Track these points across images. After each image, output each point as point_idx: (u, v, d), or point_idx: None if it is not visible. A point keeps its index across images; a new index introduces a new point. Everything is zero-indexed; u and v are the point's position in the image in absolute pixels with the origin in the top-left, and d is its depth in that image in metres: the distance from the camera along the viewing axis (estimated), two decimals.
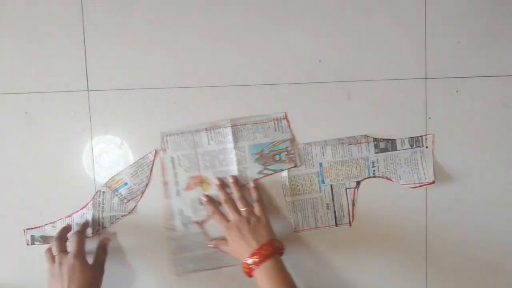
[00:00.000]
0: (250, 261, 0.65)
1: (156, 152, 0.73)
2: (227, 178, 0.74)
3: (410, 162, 0.76)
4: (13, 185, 0.73)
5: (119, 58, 0.73)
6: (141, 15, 0.73)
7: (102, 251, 0.71)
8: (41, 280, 0.68)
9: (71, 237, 0.68)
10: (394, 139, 0.76)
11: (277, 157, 0.75)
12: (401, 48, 0.75)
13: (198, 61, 0.74)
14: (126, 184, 0.73)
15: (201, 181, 0.74)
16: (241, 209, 0.70)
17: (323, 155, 0.76)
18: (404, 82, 0.76)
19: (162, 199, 0.74)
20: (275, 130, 0.74)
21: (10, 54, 0.72)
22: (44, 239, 0.73)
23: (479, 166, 0.78)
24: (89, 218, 0.73)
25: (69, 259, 0.64)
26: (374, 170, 0.77)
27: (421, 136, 0.77)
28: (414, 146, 0.76)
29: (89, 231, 0.73)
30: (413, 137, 0.77)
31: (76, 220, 0.73)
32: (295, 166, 0.75)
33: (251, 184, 0.74)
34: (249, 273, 0.65)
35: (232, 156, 0.74)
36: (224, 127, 0.73)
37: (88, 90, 0.73)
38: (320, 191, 0.76)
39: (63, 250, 0.67)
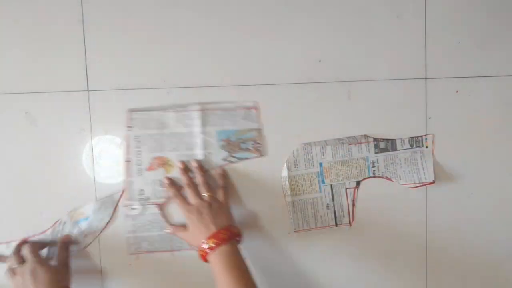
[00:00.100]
0: (206, 245, 0.65)
1: (123, 192, 0.73)
2: (190, 162, 0.73)
3: (410, 162, 0.76)
4: (13, 185, 0.73)
5: (119, 58, 0.73)
6: (141, 15, 0.73)
7: (63, 250, 0.71)
8: None
9: (23, 246, 0.69)
10: (394, 139, 0.76)
11: (243, 146, 0.74)
12: (401, 48, 0.75)
13: (198, 61, 0.74)
14: (87, 218, 0.73)
15: (164, 163, 0.73)
16: (204, 194, 0.70)
17: (323, 155, 0.76)
18: (404, 82, 0.76)
19: (123, 176, 0.73)
20: (244, 119, 0.74)
21: (10, 54, 0.72)
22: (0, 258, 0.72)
23: (479, 166, 0.78)
24: (46, 244, 0.73)
25: (28, 266, 0.66)
26: (374, 170, 0.77)
27: (421, 136, 0.77)
28: (414, 146, 0.76)
29: (44, 251, 0.72)
30: (413, 137, 0.77)
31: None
32: (260, 156, 0.74)
33: (219, 171, 0.73)
34: (204, 256, 0.65)
35: (198, 140, 0.73)
36: (193, 110, 0.73)
37: (88, 90, 0.73)
38: (320, 191, 0.76)
39: (21, 262, 0.67)
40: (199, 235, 0.66)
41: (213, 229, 0.66)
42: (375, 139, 0.76)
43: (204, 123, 0.73)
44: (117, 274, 0.75)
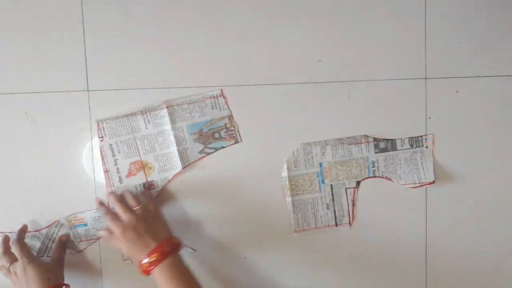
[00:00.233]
0: (147, 260, 0.63)
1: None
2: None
3: (410, 162, 0.76)
4: (13, 185, 0.73)
5: (119, 58, 0.73)
6: (141, 15, 0.73)
7: (60, 248, 0.72)
8: None
9: (12, 245, 0.69)
10: (394, 139, 0.76)
11: (216, 135, 0.74)
12: (401, 48, 0.75)
13: (198, 61, 0.74)
14: (86, 225, 0.73)
15: (142, 166, 0.73)
16: (135, 208, 0.68)
17: (323, 155, 0.76)
18: (404, 82, 0.76)
19: (105, 188, 0.73)
20: (213, 108, 0.74)
21: (10, 54, 0.72)
22: None
23: (479, 166, 0.78)
24: (39, 242, 0.73)
25: (19, 264, 0.67)
26: (374, 170, 0.77)
27: (421, 136, 0.77)
28: (414, 146, 0.76)
29: (36, 248, 0.73)
30: (413, 137, 0.77)
31: (27, 240, 0.72)
32: (236, 142, 0.74)
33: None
34: (146, 272, 0.64)
35: (171, 137, 0.73)
36: (160, 108, 0.73)
37: (88, 90, 0.73)
38: (320, 191, 0.76)
39: (14, 260, 0.68)
40: (140, 251, 0.64)
41: (153, 244, 0.64)
42: (375, 139, 0.76)
43: (173, 120, 0.73)
44: (117, 274, 0.75)
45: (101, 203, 0.71)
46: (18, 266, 0.66)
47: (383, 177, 0.77)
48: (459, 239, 0.79)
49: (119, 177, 0.73)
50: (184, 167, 0.73)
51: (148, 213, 0.68)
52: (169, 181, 0.74)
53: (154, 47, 0.73)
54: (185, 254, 0.75)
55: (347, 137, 0.76)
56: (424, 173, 0.76)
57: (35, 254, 0.72)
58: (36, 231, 0.73)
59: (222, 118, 0.74)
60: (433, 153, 0.77)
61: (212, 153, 0.74)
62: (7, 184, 0.73)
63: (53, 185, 0.73)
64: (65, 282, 0.70)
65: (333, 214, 0.77)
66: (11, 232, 0.72)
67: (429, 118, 0.76)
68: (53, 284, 0.67)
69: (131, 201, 0.69)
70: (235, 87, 0.74)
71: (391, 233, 0.78)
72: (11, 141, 0.73)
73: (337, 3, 0.74)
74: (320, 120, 0.76)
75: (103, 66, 0.73)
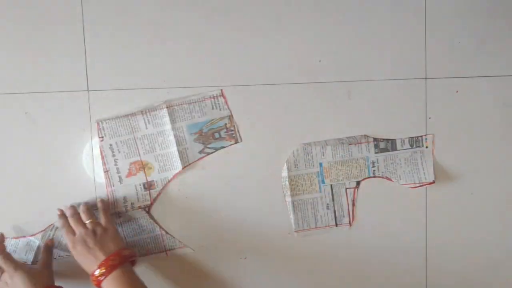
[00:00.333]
0: (97, 272, 0.64)
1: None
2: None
3: (410, 162, 0.76)
4: (13, 185, 0.73)
5: (119, 58, 0.73)
6: (141, 15, 0.73)
7: (47, 253, 0.72)
8: None
9: None
10: (394, 139, 0.76)
11: (216, 135, 0.74)
12: (401, 48, 0.75)
13: (198, 61, 0.74)
14: None
15: (142, 166, 0.73)
16: (86, 222, 0.69)
17: (323, 155, 0.76)
18: (404, 82, 0.76)
19: (106, 187, 0.73)
20: (213, 108, 0.74)
21: (10, 54, 0.72)
22: None
23: (479, 166, 0.78)
24: (34, 248, 0.73)
25: (6, 274, 0.67)
26: (374, 170, 0.77)
27: (421, 136, 0.77)
28: (414, 146, 0.76)
29: (30, 257, 0.72)
30: (413, 137, 0.77)
31: (21, 244, 0.72)
32: (236, 142, 0.74)
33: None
34: (97, 285, 0.64)
35: (171, 137, 0.73)
36: (160, 108, 0.73)
37: (88, 90, 0.73)
38: (320, 191, 0.76)
39: (3, 271, 0.67)
40: (90, 264, 0.65)
41: (102, 257, 0.65)
42: (375, 139, 0.76)
43: (173, 120, 0.73)
44: None
45: (62, 215, 0.71)
46: (7, 276, 0.66)
47: (383, 177, 0.77)
48: (459, 239, 0.79)
49: (119, 177, 0.73)
50: (184, 167, 0.73)
51: (99, 227, 0.68)
52: (169, 181, 0.74)
53: (154, 47, 0.73)
54: (186, 254, 0.76)
55: (347, 137, 0.76)
56: (424, 173, 0.76)
57: (32, 258, 0.72)
58: (31, 235, 0.73)
59: (222, 118, 0.74)
60: (433, 153, 0.77)
61: (212, 153, 0.74)
62: (7, 184, 0.73)
63: (53, 185, 0.73)
64: (61, 285, 0.69)
65: (333, 214, 0.77)
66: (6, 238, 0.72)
67: (429, 118, 0.76)
68: None
69: (83, 215, 0.69)
70: (235, 87, 0.74)
71: (391, 233, 0.78)
72: (11, 141, 0.73)
73: (337, 3, 0.74)
74: (320, 120, 0.76)
75: (103, 66, 0.73)
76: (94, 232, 0.67)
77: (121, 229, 0.74)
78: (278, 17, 0.74)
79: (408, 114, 0.76)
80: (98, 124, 0.72)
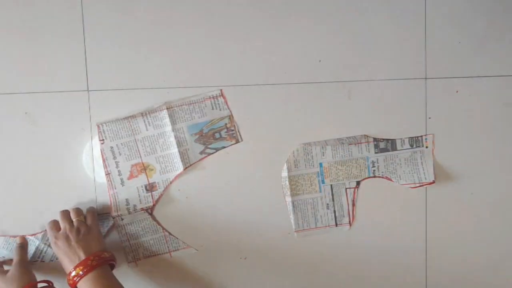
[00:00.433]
0: (74, 273, 0.63)
1: (113, 225, 0.74)
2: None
3: (410, 162, 0.76)
4: (13, 185, 0.73)
5: (119, 58, 0.73)
6: (141, 15, 0.73)
7: (20, 252, 0.70)
8: None
9: None
10: (394, 139, 0.76)
11: (217, 135, 0.74)
12: (401, 48, 0.75)
13: (198, 61, 0.74)
14: None
15: (144, 168, 0.73)
16: (74, 219, 0.69)
17: (323, 155, 0.76)
18: (404, 82, 0.76)
19: (108, 190, 0.73)
20: (213, 108, 0.74)
21: (10, 54, 0.72)
22: None
23: (479, 166, 0.78)
24: (33, 247, 0.72)
25: None
26: (374, 170, 0.77)
27: (421, 136, 0.77)
28: (414, 146, 0.76)
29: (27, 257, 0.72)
30: (413, 137, 0.77)
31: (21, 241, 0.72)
32: (237, 142, 0.74)
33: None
34: (73, 284, 0.64)
35: (172, 139, 0.73)
36: (160, 110, 0.73)
37: (88, 90, 0.73)
38: (320, 191, 0.76)
39: None
40: (68, 262, 0.65)
41: (82, 256, 0.64)
42: (375, 139, 0.76)
43: (173, 121, 0.73)
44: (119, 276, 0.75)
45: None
46: None
47: (383, 177, 0.77)
48: (459, 239, 0.79)
49: (121, 179, 0.73)
50: (185, 168, 0.73)
51: (83, 226, 0.68)
52: (170, 183, 0.74)
53: (154, 47, 0.73)
54: (187, 254, 0.75)
55: (347, 137, 0.76)
56: (424, 173, 0.76)
57: (30, 258, 0.71)
58: (31, 235, 0.73)
59: (222, 118, 0.74)
60: (433, 153, 0.77)
61: (213, 153, 0.74)
62: (7, 184, 0.73)
63: (53, 185, 0.73)
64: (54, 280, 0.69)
65: (333, 214, 0.77)
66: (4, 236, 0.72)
67: (429, 118, 0.76)
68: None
69: (72, 213, 0.70)
70: (235, 87, 0.74)
71: (391, 233, 0.78)
72: (11, 141, 0.73)
73: (337, 3, 0.74)
74: (320, 120, 0.76)
75: (103, 66, 0.73)
76: (78, 230, 0.67)
77: (124, 232, 0.74)
78: (278, 17, 0.74)
79: (408, 114, 0.76)
80: (98, 127, 0.72)
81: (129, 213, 0.73)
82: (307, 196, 0.76)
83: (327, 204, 0.77)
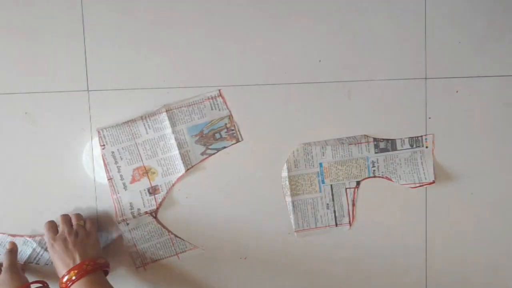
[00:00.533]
0: (67, 277, 0.63)
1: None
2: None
3: (410, 162, 0.76)
4: (13, 185, 0.73)
5: (119, 58, 0.73)
6: (141, 15, 0.73)
7: (10, 257, 0.69)
8: None
9: None
10: (394, 139, 0.76)
11: (217, 136, 0.74)
12: (401, 48, 0.75)
13: (198, 61, 0.74)
14: None
15: (146, 172, 0.73)
16: (73, 223, 0.69)
17: (323, 155, 0.76)
18: (404, 82, 0.76)
19: (110, 195, 0.73)
20: (212, 109, 0.74)
21: (10, 54, 0.72)
22: None
23: (479, 166, 0.78)
24: (30, 249, 0.73)
25: None
26: (374, 170, 0.77)
27: (421, 136, 0.77)
28: (414, 146, 0.76)
29: (23, 257, 0.72)
30: (413, 137, 0.77)
31: (18, 242, 0.72)
32: (237, 142, 0.74)
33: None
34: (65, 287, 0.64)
35: (172, 141, 0.73)
36: (159, 113, 0.73)
37: (88, 90, 0.73)
38: (320, 191, 0.76)
39: None
40: (62, 265, 0.64)
41: (77, 260, 0.64)
42: (375, 139, 0.76)
43: (173, 123, 0.73)
44: (124, 281, 0.76)
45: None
46: None
47: (383, 177, 0.77)
48: (459, 239, 0.79)
49: (123, 184, 0.73)
50: (187, 170, 0.73)
51: (82, 230, 0.68)
52: (173, 185, 0.74)
53: (154, 47, 0.73)
54: (190, 255, 0.75)
55: (347, 137, 0.76)
56: (424, 173, 0.76)
57: (25, 259, 0.72)
58: (30, 236, 0.73)
59: (222, 118, 0.74)
60: (433, 153, 0.77)
61: (214, 154, 0.74)
62: (7, 184, 0.73)
63: (53, 185, 0.73)
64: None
65: (333, 214, 0.77)
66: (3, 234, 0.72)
67: (429, 118, 0.76)
68: None
69: (73, 218, 0.70)
70: (235, 87, 0.74)
71: (391, 233, 0.78)
72: (11, 141, 0.73)
73: (337, 3, 0.74)
74: (320, 120, 0.76)
75: (103, 66, 0.73)
76: (76, 234, 0.67)
77: (130, 237, 0.74)
78: (278, 17, 0.74)
79: (408, 114, 0.76)
80: (99, 132, 0.72)
81: (134, 217, 0.73)
82: (307, 196, 0.76)
83: (327, 204, 0.77)
